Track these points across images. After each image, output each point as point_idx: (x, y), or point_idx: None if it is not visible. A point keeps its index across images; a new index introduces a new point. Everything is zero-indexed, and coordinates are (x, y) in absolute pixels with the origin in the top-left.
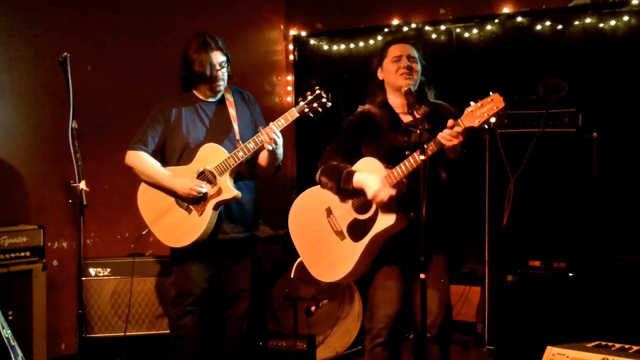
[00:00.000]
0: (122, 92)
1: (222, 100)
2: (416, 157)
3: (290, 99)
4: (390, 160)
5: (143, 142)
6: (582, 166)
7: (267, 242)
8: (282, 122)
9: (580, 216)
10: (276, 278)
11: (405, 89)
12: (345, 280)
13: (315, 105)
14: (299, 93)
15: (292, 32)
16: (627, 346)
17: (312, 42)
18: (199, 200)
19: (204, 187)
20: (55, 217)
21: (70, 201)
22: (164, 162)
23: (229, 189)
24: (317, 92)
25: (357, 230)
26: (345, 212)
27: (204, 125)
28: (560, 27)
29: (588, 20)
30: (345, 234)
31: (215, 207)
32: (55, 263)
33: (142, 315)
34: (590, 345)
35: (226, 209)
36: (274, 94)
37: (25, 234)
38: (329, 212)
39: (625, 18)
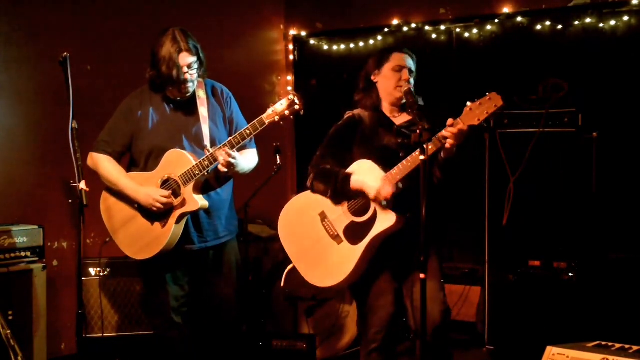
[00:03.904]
0: (122, 92)
1: (194, 98)
2: (415, 156)
3: None
4: (383, 162)
5: (107, 143)
6: (582, 166)
7: (267, 242)
8: (249, 131)
9: (580, 216)
10: (276, 278)
11: (405, 89)
12: (343, 285)
13: (287, 113)
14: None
15: (292, 32)
16: (627, 346)
17: (312, 42)
18: (162, 211)
19: (168, 200)
20: (55, 217)
21: (70, 201)
22: (132, 164)
23: (193, 201)
24: (291, 98)
25: (354, 233)
26: (341, 216)
27: (171, 127)
28: (560, 27)
29: (588, 20)
30: (342, 237)
31: (179, 219)
32: (55, 263)
33: (142, 315)
34: (590, 345)
35: (193, 218)
36: (274, 93)
37: (25, 234)
38: (323, 216)
39: (625, 18)
